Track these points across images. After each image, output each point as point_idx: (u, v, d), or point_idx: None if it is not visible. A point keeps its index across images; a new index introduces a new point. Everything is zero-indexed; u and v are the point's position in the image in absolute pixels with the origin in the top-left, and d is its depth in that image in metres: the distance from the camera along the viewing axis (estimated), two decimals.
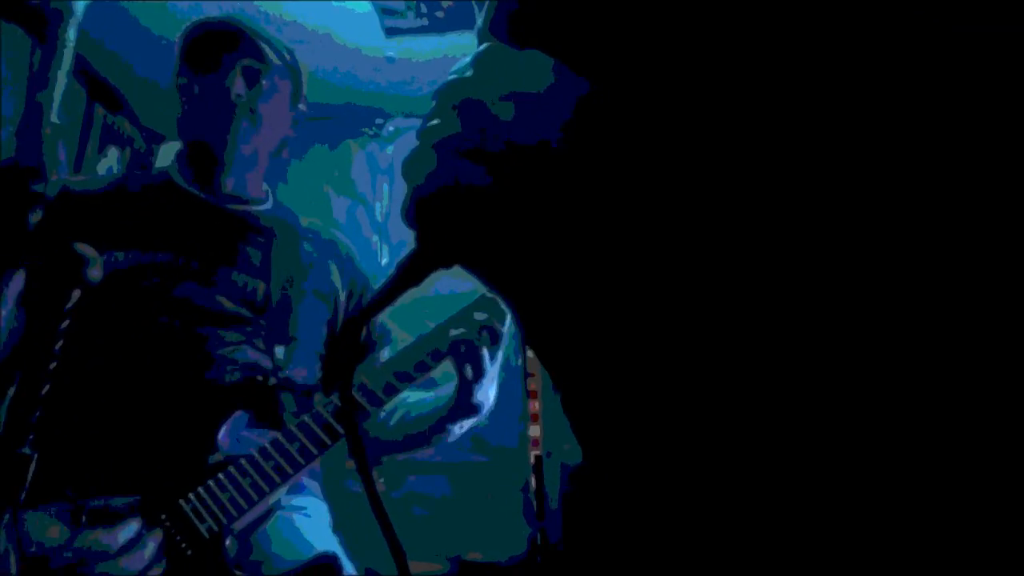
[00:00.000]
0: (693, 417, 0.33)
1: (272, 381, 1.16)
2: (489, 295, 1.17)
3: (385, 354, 1.33)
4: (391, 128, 2.92)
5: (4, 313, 0.91)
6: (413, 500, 2.42)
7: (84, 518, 0.97)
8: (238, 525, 1.04)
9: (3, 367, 1.05)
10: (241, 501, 1.04)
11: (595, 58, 0.37)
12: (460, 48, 2.56)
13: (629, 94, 0.36)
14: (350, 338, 1.16)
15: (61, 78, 0.67)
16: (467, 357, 1.13)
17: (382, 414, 1.26)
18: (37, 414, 0.78)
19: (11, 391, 1.07)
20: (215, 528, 1.02)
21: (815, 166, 0.32)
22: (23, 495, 0.73)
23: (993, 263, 0.30)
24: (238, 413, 1.11)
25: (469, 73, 0.39)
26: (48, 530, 0.95)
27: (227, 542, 1.02)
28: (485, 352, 1.13)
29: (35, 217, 0.68)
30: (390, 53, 2.56)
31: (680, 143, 0.35)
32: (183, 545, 1.00)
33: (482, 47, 0.40)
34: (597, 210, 0.35)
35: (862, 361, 0.31)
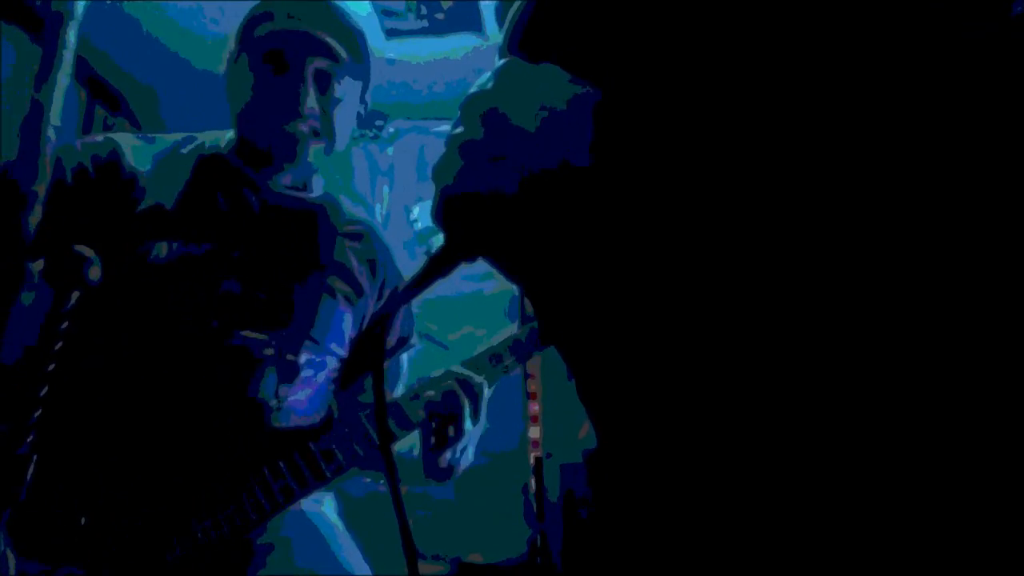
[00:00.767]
0: (705, 407, 0.34)
1: (287, 386, 1.14)
2: (456, 373, 1.14)
3: (405, 359, 1.31)
4: (391, 130, 2.92)
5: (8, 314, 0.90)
6: (413, 502, 2.41)
7: None
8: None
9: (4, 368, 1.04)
10: (225, 527, 1.03)
11: (606, 70, 0.40)
12: (460, 50, 2.56)
13: (640, 103, 0.38)
14: (379, 331, 1.16)
15: (61, 79, 0.67)
16: (432, 427, 1.11)
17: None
18: (37, 414, 0.77)
19: (10, 391, 1.07)
20: (202, 539, 1.01)
21: (821, 169, 0.33)
22: (23, 495, 0.73)
23: (992, 262, 0.30)
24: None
25: (490, 86, 0.43)
26: None
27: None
28: (450, 427, 1.10)
29: (34, 217, 0.68)
30: (390, 55, 2.56)
31: (688, 147, 0.36)
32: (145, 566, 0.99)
33: (502, 62, 0.44)
34: (611, 207, 0.37)
35: (867, 353, 0.31)
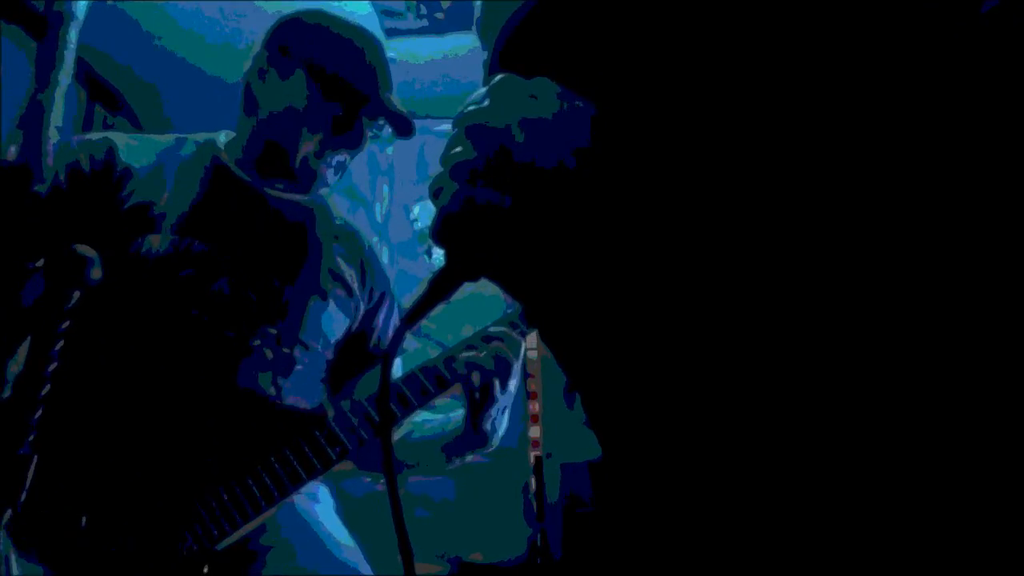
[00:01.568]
0: (705, 414, 0.34)
1: (279, 384, 1.14)
2: (497, 327, 1.16)
3: (398, 364, 1.32)
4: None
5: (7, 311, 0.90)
6: (414, 502, 2.42)
7: None
8: (221, 546, 1.03)
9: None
10: (226, 524, 1.03)
11: (599, 82, 0.40)
12: (460, 49, 2.56)
13: (632, 115, 0.38)
14: (384, 362, 1.16)
15: (62, 79, 0.67)
16: (477, 385, 1.12)
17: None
18: (38, 414, 0.77)
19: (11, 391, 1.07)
20: (195, 547, 1.01)
21: (806, 171, 0.33)
22: (23, 496, 0.73)
23: (991, 262, 0.30)
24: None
25: (486, 103, 0.43)
26: None
27: (204, 569, 1.01)
28: (496, 381, 1.11)
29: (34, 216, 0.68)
30: (390, 54, 2.56)
31: (683, 156, 0.36)
32: (156, 560, 0.99)
33: (496, 78, 0.44)
34: (609, 223, 0.37)
35: (867, 356, 0.31)
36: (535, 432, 2.69)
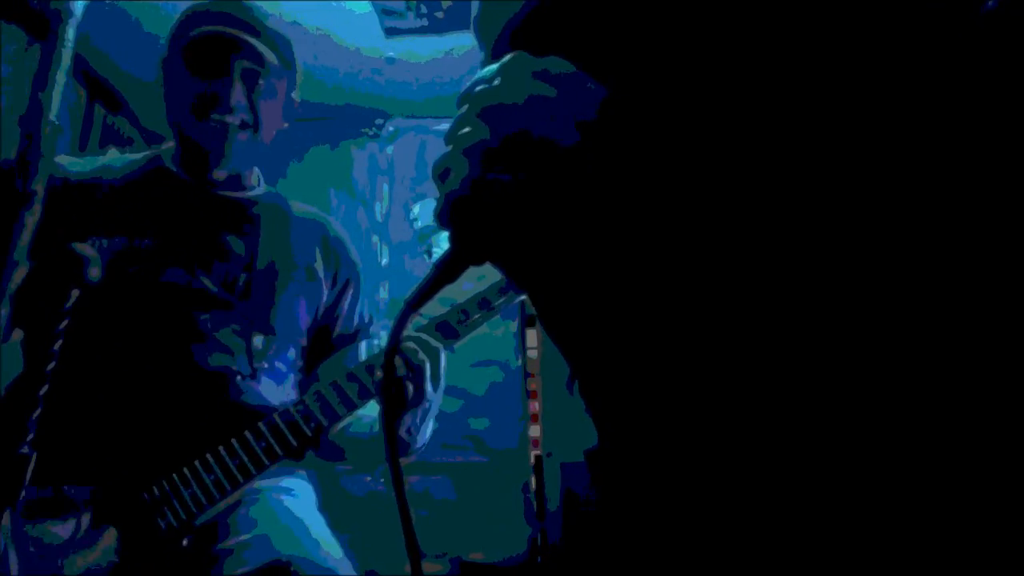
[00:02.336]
0: (704, 403, 0.34)
1: (247, 371, 1.17)
2: (412, 336, 1.15)
3: (362, 348, 1.35)
4: (391, 128, 2.92)
5: (3, 314, 0.90)
6: (414, 501, 2.40)
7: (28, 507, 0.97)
8: (199, 521, 1.05)
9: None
10: (202, 497, 1.05)
11: (612, 63, 0.39)
12: (460, 48, 2.56)
13: (646, 97, 0.37)
14: (388, 353, 1.17)
15: (60, 78, 0.67)
16: (390, 396, 1.11)
17: (343, 422, 1.25)
18: (37, 413, 0.78)
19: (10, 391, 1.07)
20: (174, 523, 1.03)
21: (822, 164, 0.33)
22: (22, 494, 0.73)
23: (991, 262, 0.30)
24: None
25: (497, 82, 0.41)
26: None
27: (184, 541, 1.02)
28: (408, 384, 1.11)
29: (32, 214, 0.68)
30: (390, 53, 2.57)
31: (690, 142, 0.35)
32: (138, 539, 1.01)
33: (507, 56, 0.42)
34: (620, 213, 0.36)
35: (865, 351, 0.31)
36: (535, 432, 2.69)
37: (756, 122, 0.34)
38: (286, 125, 1.37)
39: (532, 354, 2.73)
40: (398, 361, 1.10)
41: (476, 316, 1.20)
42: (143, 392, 1.10)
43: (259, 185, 1.38)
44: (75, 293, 0.92)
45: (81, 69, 2.52)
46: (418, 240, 2.96)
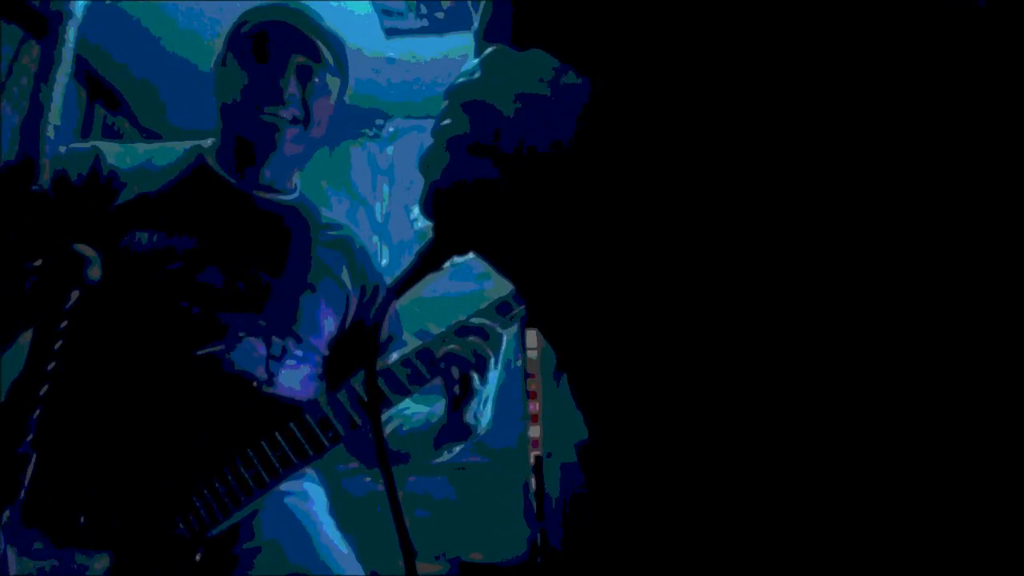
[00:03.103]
0: (698, 402, 0.34)
1: (267, 377, 1.15)
2: (478, 319, 1.15)
3: (394, 357, 1.32)
4: (391, 129, 2.92)
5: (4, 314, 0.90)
6: (414, 501, 2.42)
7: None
8: (214, 531, 1.03)
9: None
10: (217, 509, 1.03)
11: (595, 57, 0.39)
12: (460, 49, 2.56)
13: (630, 91, 0.37)
14: (371, 332, 1.16)
15: (61, 79, 0.67)
16: (456, 376, 1.11)
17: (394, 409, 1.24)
18: (36, 414, 0.78)
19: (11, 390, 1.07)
20: (186, 535, 1.01)
21: (817, 164, 0.33)
22: (22, 495, 0.73)
23: (991, 262, 0.30)
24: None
25: (478, 75, 0.42)
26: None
27: (196, 556, 1.01)
28: (475, 374, 1.11)
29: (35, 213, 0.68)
30: (390, 54, 2.56)
31: (679, 137, 0.35)
32: (144, 551, 0.99)
33: (488, 49, 0.42)
34: (601, 200, 0.36)
35: (861, 354, 0.31)
36: (535, 432, 2.69)
37: (750, 115, 0.34)
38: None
39: (532, 354, 2.73)
40: (463, 351, 1.10)
41: (517, 309, 1.19)
42: (162, 393, 1.08)
43: (296, 189, 1.37)
44: (75, 294, 0.92)
45: (81, 69, 2.52)
46: (418, 240, 2.96)
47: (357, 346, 1.30)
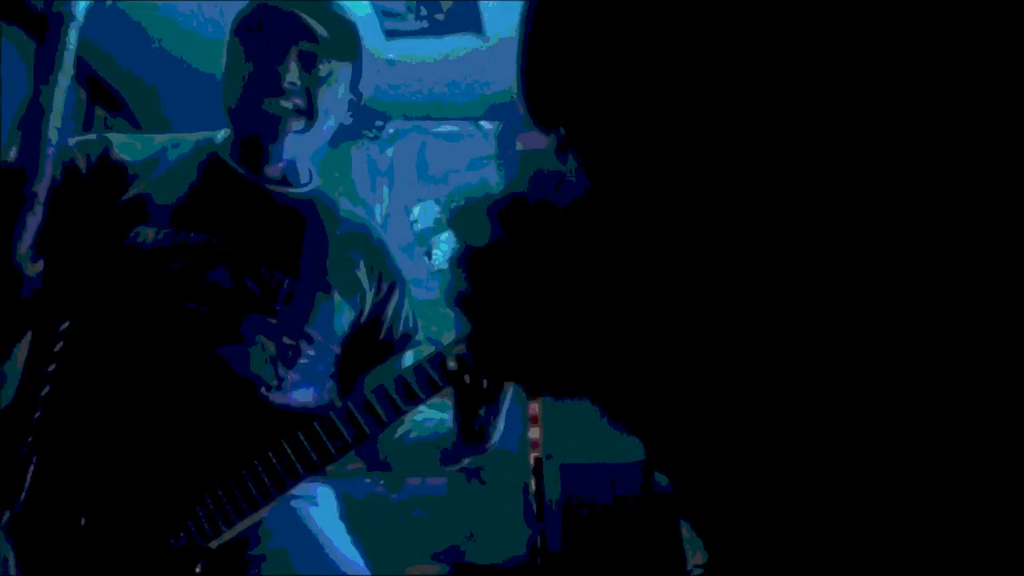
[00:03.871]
0: (709, 412, 0.34)
1: (278, 381, 1.12)
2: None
3: (408, 358, 1.30)
4: (391, 130, 2.92)
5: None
6: (413, 503, 2.42)
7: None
8: (215, 543, 1.01)
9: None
10: (220, 520, 1.01)
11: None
12: (460, 50, 2.56)
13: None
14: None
15: (62, 81, 0.67)
16: (468, 381, 1.07)
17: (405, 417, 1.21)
18: (37, 415, 0.77)
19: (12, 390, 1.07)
20: (186, 544, 0.99)
21: (813, 170, 0.33)
22: (22, 496, 0.73)
23: (992, 262, 0.30)
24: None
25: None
26: None
27: (197, 568, 0.98)
28: (484, 380, 1.06)
29: (33, 215, 0.68)
30: (390, 55, 2.57)
31: (680, 148, 0.35)
32: (144, 558, 0.98)
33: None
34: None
35: (859, 359, 0.31)
36: (535, 433, 2.69)
37: (745, 129, 0.34)
38: (349, 120, 1.31)
39: None
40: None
41: None
42: (169, 396, 1.05)
43: (312, 180, 1.31)
44: (74, 294, 0.92)
45: (81, 70, 2.52)
46: (418, 242, 2.96)
47: (371, 345, 1.27)
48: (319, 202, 1.28)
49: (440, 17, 2.40)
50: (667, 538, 2.23)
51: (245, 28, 1.19)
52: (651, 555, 2.26)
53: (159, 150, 1.21)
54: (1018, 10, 0.30)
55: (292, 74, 1.14)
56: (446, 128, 2.91)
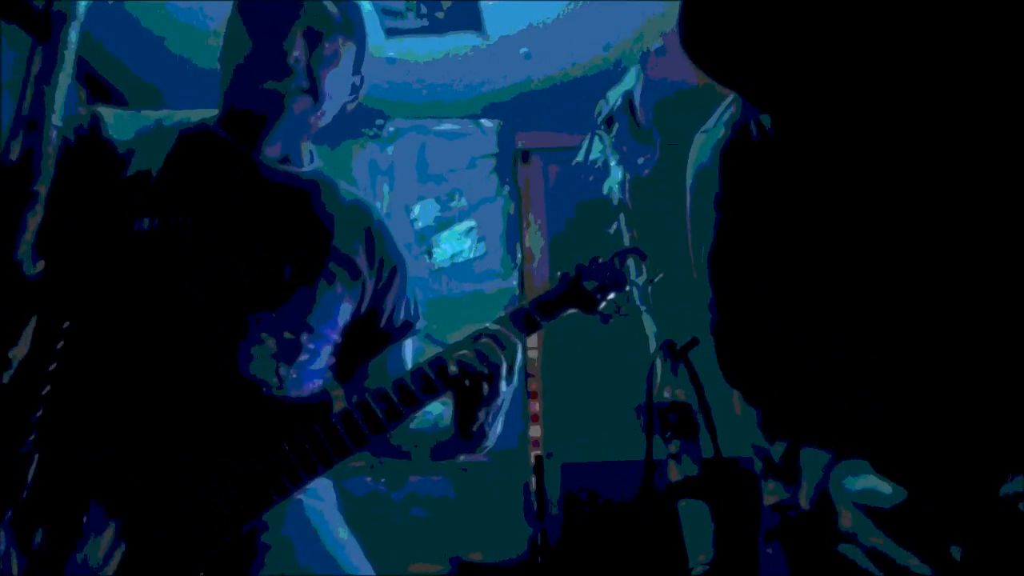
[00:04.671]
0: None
1: (277, 379, 1.11)
2: (494, 325, 1.10)
3: (409, 345, 1.28)
4: (391, 129, 2.92)
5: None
6: (414, 501, 2.41)
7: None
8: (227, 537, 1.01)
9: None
10: (221, 523, 1.00)
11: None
12: (460, 49, 2.56)
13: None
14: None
15: (63, 79, 0.67)
16: (467, 384, 1.05)
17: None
18: (38, 414, 0.77)
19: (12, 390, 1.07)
20: (200, 536, 0.99)
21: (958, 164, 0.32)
22: (24, 494, 0.73)
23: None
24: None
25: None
26: None
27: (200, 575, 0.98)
28: (484, 383, 1.05)
29: (34, 215, 0.68)
30: (390, 54, 2.56)
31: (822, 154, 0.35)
32: (158, 548, 0.98)
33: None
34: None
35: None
36: (535, 432, 2.69)
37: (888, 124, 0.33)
38: (352, 105, 1.28)
39: (532, 354, 2.73)
40: (474, 357, 1.05)
41: (537, 317, 1.15)
42: (169, 396, 1.04)
43: (312, 162, 1.27)
44: (75, 291, 0.92)
45: (81, 69, 2.52)
46: (418, 240, 2.96)
47: (371, 334, 1.25)
48: (323, 182, 1.25)
49: (440, 15, 2.40)
50: (667, 537, 2.24)
51: (246, 5, 1.14)
52: (651, 554, 2.26)
53: (152, 125, 1.17)
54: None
55: (296, 54, 1.11)
56: (446, 126, 2.91)
